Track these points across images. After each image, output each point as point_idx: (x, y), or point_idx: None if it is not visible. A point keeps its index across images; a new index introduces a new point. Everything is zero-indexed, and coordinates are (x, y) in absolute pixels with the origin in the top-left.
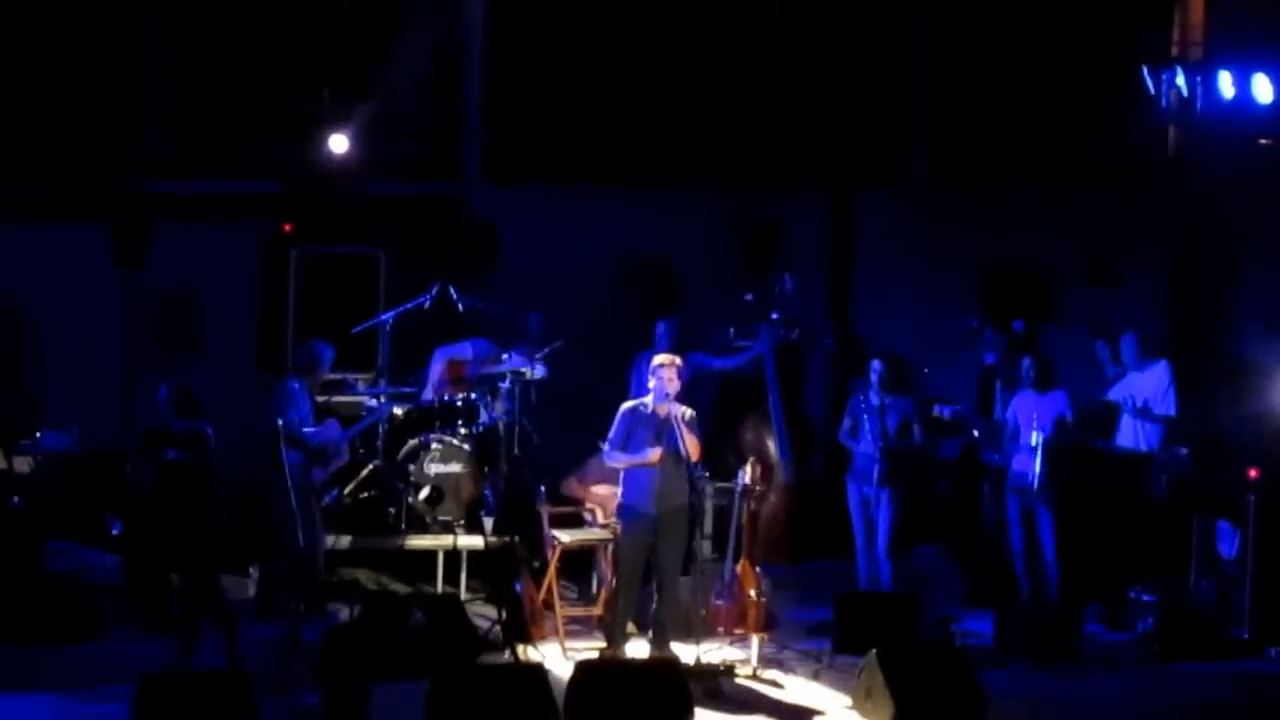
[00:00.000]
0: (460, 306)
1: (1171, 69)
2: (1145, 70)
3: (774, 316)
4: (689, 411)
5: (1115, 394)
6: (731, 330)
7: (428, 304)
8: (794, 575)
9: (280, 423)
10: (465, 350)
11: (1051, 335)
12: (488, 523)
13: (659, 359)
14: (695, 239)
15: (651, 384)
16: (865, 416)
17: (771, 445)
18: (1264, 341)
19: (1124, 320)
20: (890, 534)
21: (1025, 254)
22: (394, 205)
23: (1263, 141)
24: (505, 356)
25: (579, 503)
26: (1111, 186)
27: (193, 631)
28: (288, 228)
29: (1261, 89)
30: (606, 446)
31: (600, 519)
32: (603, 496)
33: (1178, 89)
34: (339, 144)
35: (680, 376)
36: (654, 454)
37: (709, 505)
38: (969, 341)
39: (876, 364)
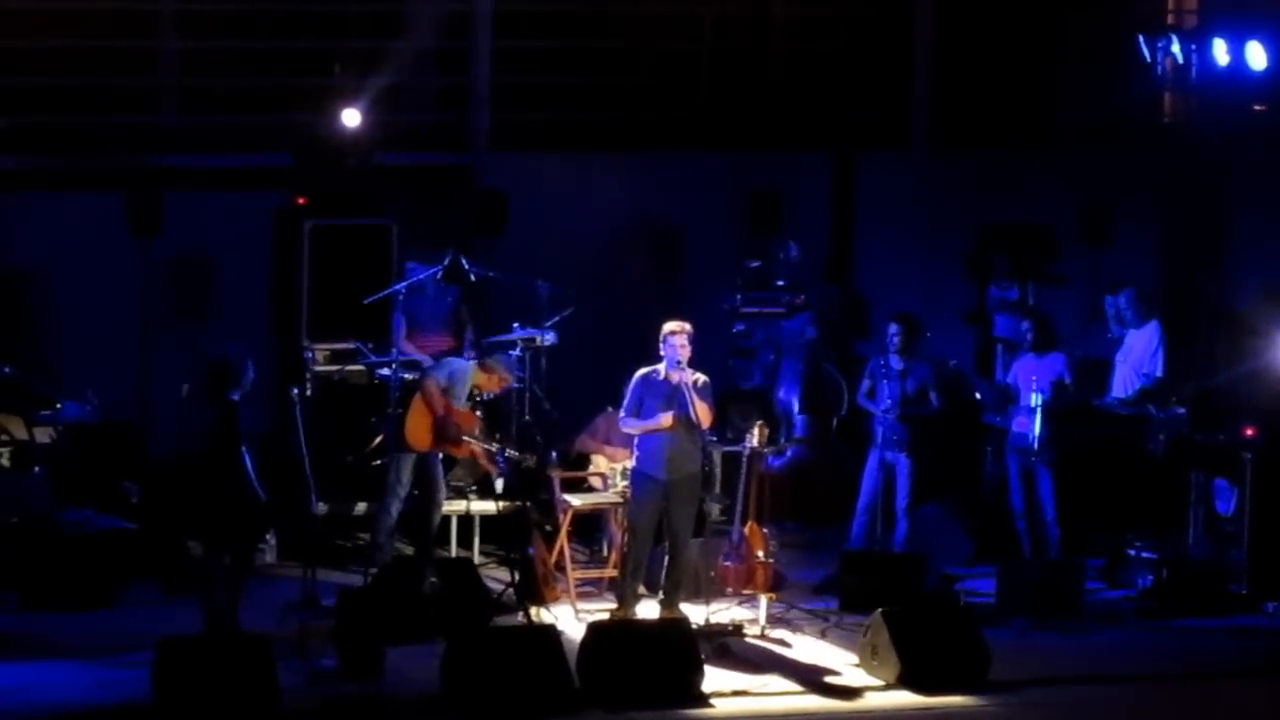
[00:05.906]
0: (472, 276)
1: (1167, 37)
2: (1141, 38)
3: (780, 283)
4: (701, 378)
5: (1119, 355)
6: (739, 297)
7: (440, 275)
8: (804, 536)
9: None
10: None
11: (1047, 294)
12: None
13: (670, 326)
14: (700, 205)
15: (663, 351)
16: (884, 380)
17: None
18: (1258, 301)
19: (1120, 279)
20: (910, 493)
21: (1023, 215)
22: (404, 175)
23: (1257, 108)
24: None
25: (588, 463)
26: (1108, 147)
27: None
28: (302, 201)
29: (1255, 56)
30: (622, 414)
31: (605, 485)
32: (614, 452)
33: (1173, 56)
34: (350, 117)
35: (692, 343)
36: (665, 419)
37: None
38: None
39: (894, 327)
